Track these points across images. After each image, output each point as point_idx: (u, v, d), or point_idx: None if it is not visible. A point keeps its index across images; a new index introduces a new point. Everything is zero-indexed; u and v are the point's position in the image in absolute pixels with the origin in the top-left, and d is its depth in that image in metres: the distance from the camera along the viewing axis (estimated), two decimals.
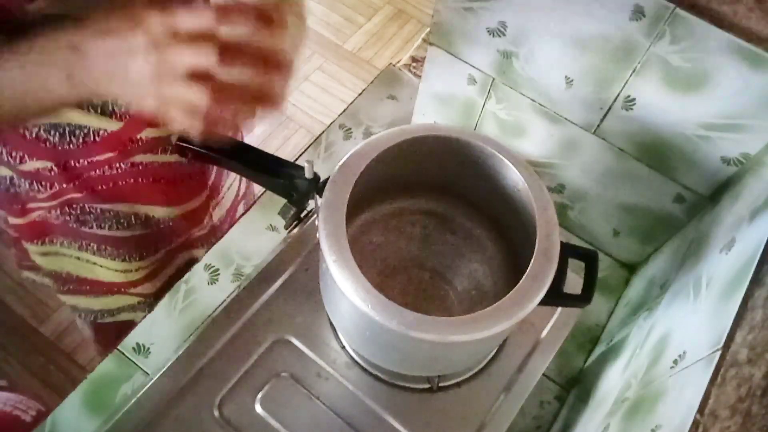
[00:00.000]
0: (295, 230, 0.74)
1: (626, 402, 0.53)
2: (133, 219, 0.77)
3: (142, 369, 0.67)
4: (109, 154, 0.69)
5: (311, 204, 0.60)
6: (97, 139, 0.67)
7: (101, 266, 0.81)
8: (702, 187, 0.64)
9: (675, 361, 0.48)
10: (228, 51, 0.41)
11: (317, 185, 0.56)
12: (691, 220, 0.67)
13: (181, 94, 0.42)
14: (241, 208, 0.98)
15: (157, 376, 0.65)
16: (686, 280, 0.57)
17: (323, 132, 0.86)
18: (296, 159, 0.78)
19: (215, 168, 0.84)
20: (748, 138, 0.56)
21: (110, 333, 0.92)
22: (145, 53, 0.41)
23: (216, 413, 0.65)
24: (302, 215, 0.63)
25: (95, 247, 0.79)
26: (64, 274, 0.83)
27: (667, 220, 0.70)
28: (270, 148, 1.71)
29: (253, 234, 0.77)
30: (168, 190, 0.77)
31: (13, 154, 0.68)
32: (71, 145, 0.67)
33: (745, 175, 0.57)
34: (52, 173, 0.69)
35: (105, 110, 0.65)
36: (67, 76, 0.44)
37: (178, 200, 0.80)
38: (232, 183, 0.92)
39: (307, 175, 0.55)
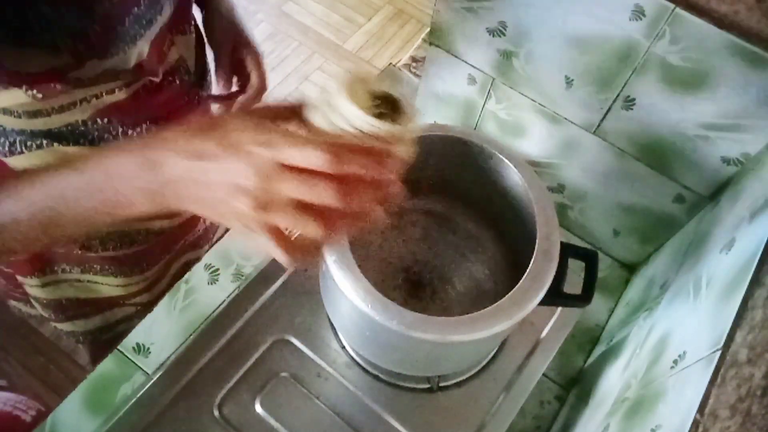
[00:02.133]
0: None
1: (626, 402, 0.53)
2: (134, 236, 0.77)
3: (142, 369, 0.67)
4: None
5: None
6: None
7: (103, 284, 0.81)
8: (702, 187, 0.64)
9: (675, 361, 0.48)
10: (340, 184, 0.38)
11: None
12: (691, 220, 0.67)
13: (285, 225, 0.39)
14: None
15: (157, 376, 0.65)
16: (686, 280, 0.57)
17: None
18: None
19: None
20: (748, 138, 0.56)
21: (107, 350, 0.92)
22: (250, 185, 0.38)
23: (216, 413, 0.65)
24: None
25: (98, 268, 0.78)
26: (63, 301, 0.82)
27: (667, 220, 0.70)
28: None
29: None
30: None
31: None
32: None
33: (745, 175, 0.57)
34: None
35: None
36: (144, 193, 0.41)
37: (174, 211, 0.79)
38: None
39: None
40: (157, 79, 0.65)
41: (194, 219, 0.84)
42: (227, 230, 0.79)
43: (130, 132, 0.66)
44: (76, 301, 0.82)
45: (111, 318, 0.86)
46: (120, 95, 0.62)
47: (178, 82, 0.68)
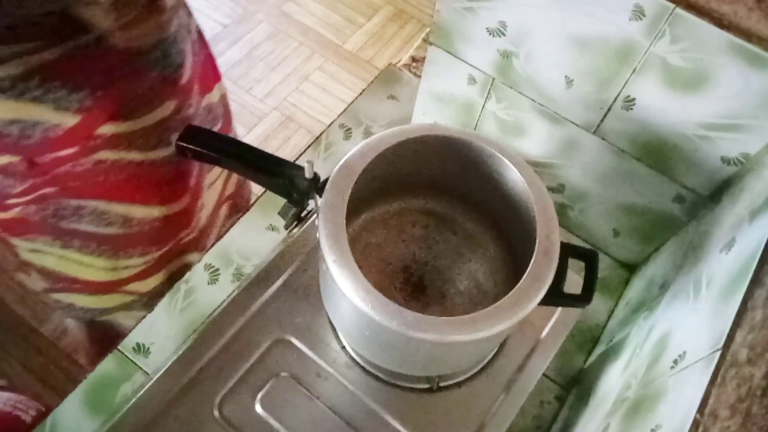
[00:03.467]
0: (295, 230, 0.74)
1: (626, 402, 0.53)
2: (112, 217, 0.77)
3: (142, 369, 0.67)
4: (71, 150, 0.69)
5: (311, 204, 0.60)
6: (56, 134, 0.67)
7: (87, 265, 0.80)
8: (702, 187, 0.64)
9: (675, 361, 0.48)
10: None
11: (317, 185, 0.56)
12: (691, 220, 0.67)
13: None
14: (224, 210, 0.97)
15: (157, 376, 0.65)
16: (686, 280, 0.57)
17: (323, 132, 0.86)
18: (296, 159, 0.78)
19: (197, 167, 0.83)
20: (748, 138, 0.56)
21: (106, 336, 0.90)
22: None
23: (216, 413, 0.65)
24: (302, 215, 0.63)
25: (78, 245, 0.78)
26: (54, 271, 0.82)
27: (667, 220, 0.70)
28: (270, 148, 1.71)
29: (253, 234, 0.77)
30: (145, 189, 0.77)
31: None
32: (30, 140, 0.67)
33: (745, 175, 0.57)
34: (21, 168, 0.69)
35: (60, 105, 0.65)
36: None
37: (159, 200, 0.79)
38: (213, 183, 0.91)
39: (307, 175, 0.55)
40: (93, 43, 0.65)
41: (185, 215, 0.85)
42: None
43: (71, 96, 0.65)
44: (65, 276, 0.82)
45: (108, 302, 0.86)
46: (49, 55, 0.62)
47: (118, 49, 0.68)
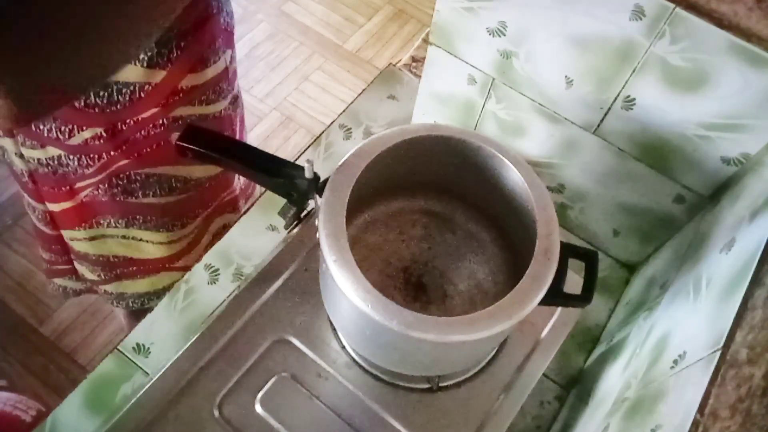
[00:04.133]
0: (295, 230, 0.74)
1: (626, 402, 0.53)
2: (173, 182, 0.79)
3: (142, 369, 0.67)
4: (153, 110, 0.71)
5: (311, 204, 0.60)
6: (142, 94, 0.69)
7: (147, 241, 0.83)
8: (702, 187, 0.64)
9: (675, 361, 0.48)
10: None
11: (317, 185, 0.56)
12: (691, 220, 0.67)
13: None
14: None
15: (157, 376, 0.65)
16: (686, 280, 0.57)
17: (323, 132, 0.86)
18: (296, 159, 0.78)
19: (238, 123, 0.85)
20: (748, 138, 0.56)
21: None
22: None
23: (216, 413, 0.65)
24: (302, 215, 0.63)
25: (141, 220, 0.81)
26: (111, 258, 0.84)
27: (667, 220, 0.70)
28: (270, 148, 1.71)
29: (253, 234, 0.77)
30: None
31: (62, 128, 0.69)
32: (119, 105, 0.68)
33: (745, 175, 0.57)
34: (101, 141, 0.71)
35: (151, 61, 0.67)
36: None
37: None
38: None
39: (307, 175, 0.55)
40: None
41: (230, 176, 0.88)
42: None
43: (161, 50, 0.67)
44: (123, 259, 0.85)
45: (158, 283, 0.88)
46: None
47: None
